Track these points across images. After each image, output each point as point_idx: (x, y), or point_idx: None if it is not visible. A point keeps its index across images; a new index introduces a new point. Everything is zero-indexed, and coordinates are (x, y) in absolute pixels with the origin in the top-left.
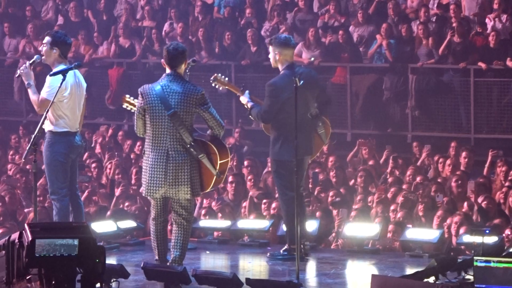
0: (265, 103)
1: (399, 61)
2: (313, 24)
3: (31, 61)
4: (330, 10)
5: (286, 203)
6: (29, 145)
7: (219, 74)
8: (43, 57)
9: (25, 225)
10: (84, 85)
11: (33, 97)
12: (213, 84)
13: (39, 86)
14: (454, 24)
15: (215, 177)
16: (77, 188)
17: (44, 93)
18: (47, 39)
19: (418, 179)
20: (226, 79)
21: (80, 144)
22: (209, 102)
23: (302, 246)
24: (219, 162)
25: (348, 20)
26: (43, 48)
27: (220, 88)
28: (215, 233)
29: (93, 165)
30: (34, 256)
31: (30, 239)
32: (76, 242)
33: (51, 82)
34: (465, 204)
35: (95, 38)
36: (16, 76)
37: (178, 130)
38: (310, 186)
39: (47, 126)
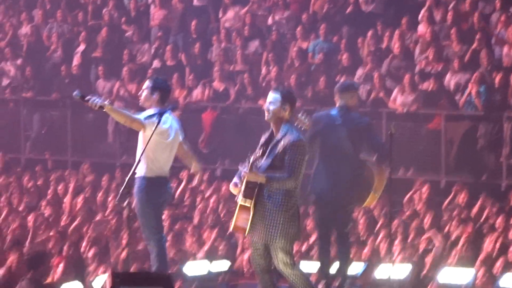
0: None
1: (490, 110)
2: (408, 70)
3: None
4: (428, 57)
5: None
6: (122, 188)
7: (300, 114)
8: (140, 101)
9: (108, 272)
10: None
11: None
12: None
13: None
14: None
15: None
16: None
17: (142, 116)
18: (147, 83)
19: None
20: (306, 120)
21: (169, 191)
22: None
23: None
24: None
25: (446, 67)
26: (143, 93)
27: (302, 128)
28: None
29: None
30: None
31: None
32: None
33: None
34: None
35: (190, 82)
36: None
37: None
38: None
39: (140, 171)
